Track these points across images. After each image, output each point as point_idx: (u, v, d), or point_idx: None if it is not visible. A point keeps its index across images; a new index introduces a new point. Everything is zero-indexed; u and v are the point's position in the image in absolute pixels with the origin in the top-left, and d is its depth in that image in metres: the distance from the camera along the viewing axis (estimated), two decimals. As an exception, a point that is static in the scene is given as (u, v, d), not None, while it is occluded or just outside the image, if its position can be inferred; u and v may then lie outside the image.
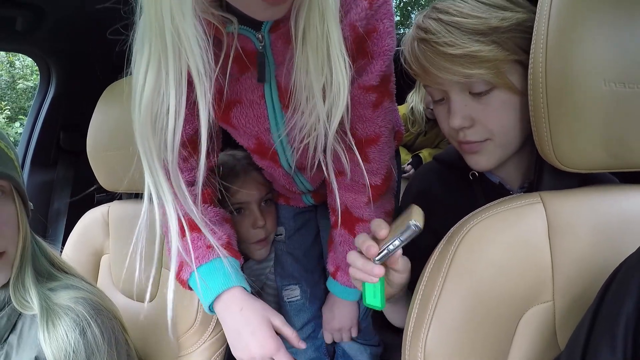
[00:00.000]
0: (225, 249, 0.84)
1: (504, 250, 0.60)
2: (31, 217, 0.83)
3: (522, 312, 0.60)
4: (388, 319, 0.88)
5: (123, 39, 0.62)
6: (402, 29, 3.90)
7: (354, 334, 1.06)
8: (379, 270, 0.65)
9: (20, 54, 4.89)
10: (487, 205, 0.65)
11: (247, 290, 0.83)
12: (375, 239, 0.67)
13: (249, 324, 0.79)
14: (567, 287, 0.60)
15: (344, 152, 0.75)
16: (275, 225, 1.15)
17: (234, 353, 0.82)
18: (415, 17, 0.76)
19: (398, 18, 6.37)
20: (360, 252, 0.68)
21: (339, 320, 1.04)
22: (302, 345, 0.81)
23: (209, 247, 0.83)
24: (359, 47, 0.71)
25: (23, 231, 0.78)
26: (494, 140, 0.74)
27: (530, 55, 0.61)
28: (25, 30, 1.35)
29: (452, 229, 0.66)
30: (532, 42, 0.60)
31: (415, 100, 2.14)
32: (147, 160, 0.65)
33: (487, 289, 0.59)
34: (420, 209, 0.65)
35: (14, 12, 1.28)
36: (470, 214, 0.65)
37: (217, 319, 0.90)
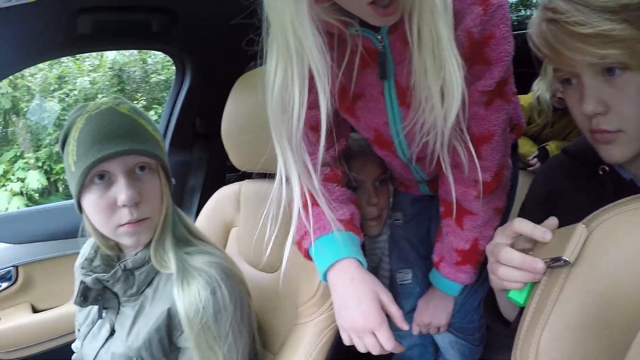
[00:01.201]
0: (346, 224, 0.89)
1: (630, 252, 0.56)
2: (172, 192, 0.94)
3: None
4: (500, 308, 0.85)
5: (253, 35, 0.72)
6: (522, 10, 3.66)
7: (442, 330, 1.07)
8: (542, 265, 0.61)
9: (151, 52, 5.41)
10: (618, 201, 0.60)
11: (363, 265, 0.86)
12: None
13: (357, 295, 0.81)
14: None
15: (462, 147, 0.77)
16: (387, 204, 1.20)
17: (338, 320, 0.86)
18: None
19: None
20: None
21: (432, 314, 1.06)
22: (405, 326, 0.82)
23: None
24: (476, 53, 0.74)
25: (166, 202, 0.89)
26: (628, 132, 0.68)
27: None
28: (160, 31, 1.50)
29: (581, 223, 0.61)
30: None
31: (541, 88, 2.00)
32: (279, 142, 0.75)
33: (609, 291, 0.56)
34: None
35: (149, 16, 1.43)
36: (599, 210, 0.60)
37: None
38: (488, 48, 0.74)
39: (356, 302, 0.81)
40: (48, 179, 5.38)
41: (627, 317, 0.55)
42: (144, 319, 0.87)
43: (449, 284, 0.99)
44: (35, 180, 4.93)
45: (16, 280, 1.51)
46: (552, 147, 2.05)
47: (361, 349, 0.82)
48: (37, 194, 5.09)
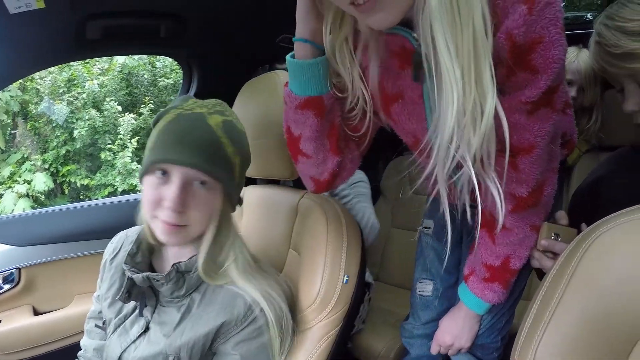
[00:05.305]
0: None
1: (630, 263, 0.55)
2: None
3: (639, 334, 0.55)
4: None
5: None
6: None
7: (463, 352, 1.03)
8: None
9: (160, 56, 5.46)
10: (619, 212, 0.60)
11: None
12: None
13: None
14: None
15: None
16: None
17: None
18: (594, 21, 0.89)
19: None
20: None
21: (455, 335, 1.01)
22: None
23: None
24: (519, 59, 0.64)
25: (217, 218, 0.89)
26: None
27: None
28: (168, 36, 1.51)
29: (582, 233, 0.62)
30: None
31: None
32: None
33: (608, 303, 0.55)
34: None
35: (158, 21, 1.44)
36: (601, 221, 0.61)
37: (336, 300, 0.97)
38: (535, 54, 0.63)
39: None
40: (54, 181, 5.42)
41: (624, 330, 0.55)
42: (191, 321, 0.89)
43: (475, 300, 0.95)
44: (41, 182, 4.97)
45: (18, 282, 1.51)
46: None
47: None
48: (43, 196, 5.12)
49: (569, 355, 0.56)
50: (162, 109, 0.91)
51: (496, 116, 0.66)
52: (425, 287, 1.13)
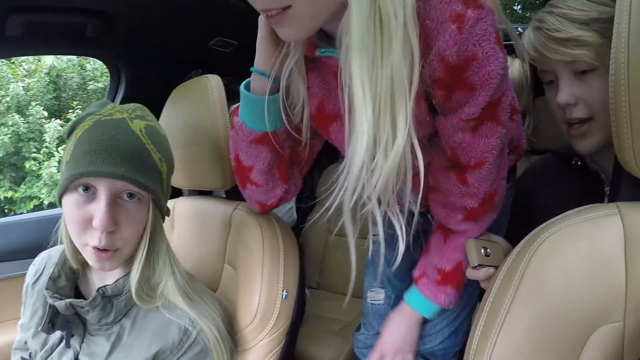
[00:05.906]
0: None
1: (577, 263, 0.57)
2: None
3: (590, 331, 0.56)
4: None
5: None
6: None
7: None
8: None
9: (90, 57, 5.24)
10: (563, 214, 0.62)
11: None
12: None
13: None
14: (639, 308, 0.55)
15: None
16: None
17: None
18: (533, 15, 0.89)
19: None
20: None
21: (396, 340, 0.98)
22: None
23: None
24: (455, 78, 0.64)
25: (147, 236, 0.82)
26: (597, 119, 0.82)
27: (612, 55, 0.57)
28: (95, 36, 1.41)
29: (526, 238, 0.63)
30: (612, 41, 0.56)
31: None
32: None
33: (558, 304, 0.56)
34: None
35: (84, 19, 1.35)
36: (545, 224, 0.62)
37: (276, 317, 0.93)
38: (470, 72, 0.63)
39: None
40: (-26, 192, 5.08)
41: (575, 329, 0.56)
42: (123, 352, 0.82)
43: (425, 302, 0.93)
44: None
45: None
46: None
47: None
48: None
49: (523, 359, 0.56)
50: (76, 117, 0.83)
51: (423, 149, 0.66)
52: (377, 296, 1.10)
